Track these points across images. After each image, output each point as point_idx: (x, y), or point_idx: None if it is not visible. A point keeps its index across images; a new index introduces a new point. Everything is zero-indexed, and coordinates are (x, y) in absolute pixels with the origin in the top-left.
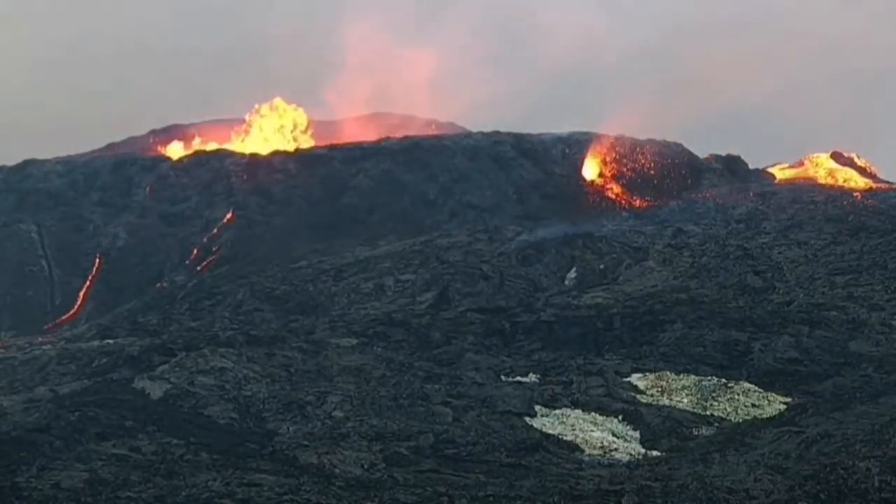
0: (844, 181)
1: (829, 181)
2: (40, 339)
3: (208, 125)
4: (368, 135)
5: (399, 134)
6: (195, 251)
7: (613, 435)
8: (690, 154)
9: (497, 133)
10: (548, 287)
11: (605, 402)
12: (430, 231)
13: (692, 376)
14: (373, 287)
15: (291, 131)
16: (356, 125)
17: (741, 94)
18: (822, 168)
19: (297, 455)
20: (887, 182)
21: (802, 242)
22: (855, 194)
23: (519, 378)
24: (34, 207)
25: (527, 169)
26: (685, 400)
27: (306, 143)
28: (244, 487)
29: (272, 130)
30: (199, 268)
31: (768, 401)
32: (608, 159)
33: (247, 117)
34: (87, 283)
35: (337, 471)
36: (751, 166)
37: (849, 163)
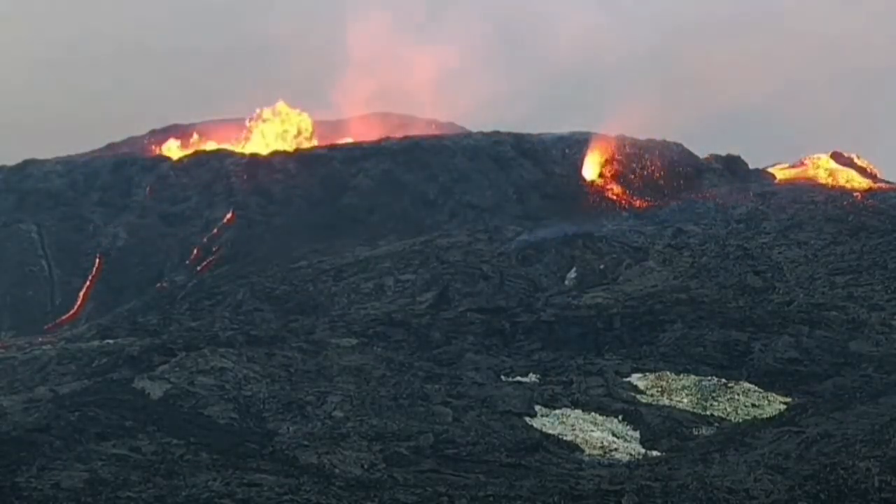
0: (845, 181)
1: (829, 181)
2: (40, 339)
3: (208, 125)
4: (370, 135)
5: (400, 134)
6: (195, 251)
7: (613, 435)
8: (690, 154)
9: (497, 133)
10: (548, 287)
11: (605, 402)
12: (430, 231)
13: (692, 376)
14: (373, 287)
15: (295, 137)
16: (358, 125)
17: (741, 94)
18: (822, 168)
19: (297, 455)
20: (887, 182)
21: (802, 242)
22: (855, 194)
23: (519, 378)
24: (34, 207)
25: (527, 169)
26: (685, 400)
27: (307, 143)
28: (244, 487)
29: (274, 136)
30: (199, 268)
31: (768, 401)
32: (608, 159)
33: (247, 122)
34: (87, 283)
35: (337, 471)
36: (751, 166)
37: (849, 163)
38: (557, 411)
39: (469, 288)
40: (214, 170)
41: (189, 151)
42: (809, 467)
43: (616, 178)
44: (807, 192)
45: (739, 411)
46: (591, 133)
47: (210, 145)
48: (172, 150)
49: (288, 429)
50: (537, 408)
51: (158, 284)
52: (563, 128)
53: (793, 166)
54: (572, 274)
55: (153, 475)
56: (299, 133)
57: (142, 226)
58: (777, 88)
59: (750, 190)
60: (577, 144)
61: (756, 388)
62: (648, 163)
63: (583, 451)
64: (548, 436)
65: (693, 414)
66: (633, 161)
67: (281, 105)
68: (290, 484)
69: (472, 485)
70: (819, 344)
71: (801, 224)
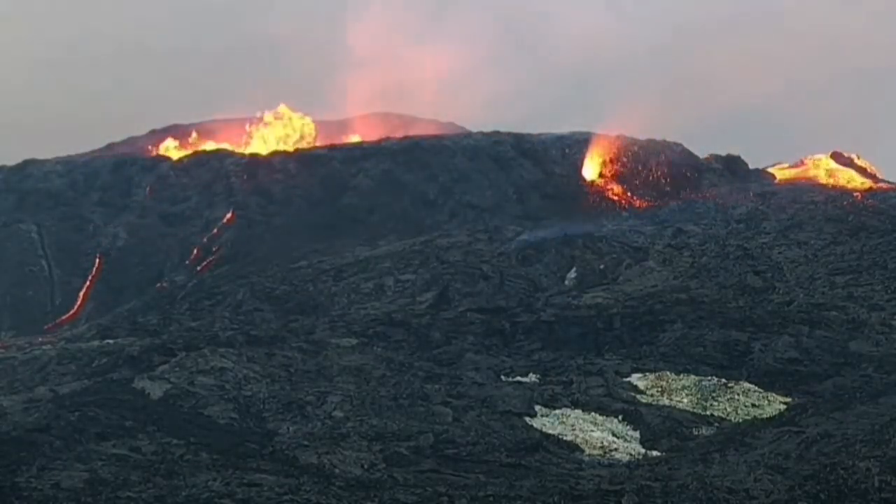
0: (845, 181)
1: (829, 181)
2: (40, 339)
3: (208, 125)
4: (371, 135)
5: (400, 134)
6: (195, 251)
7: (613, 435)
8: (690, 154)
9: (497, 133)
10: (548, 287)
11: (605, 402)
12: (430, 231)
13: (692, 376)
14: (373, 287)
15: (297, 142)
16: (358, 125)
17: (741, 94)
18: (822, 168)
19: (297, 455)
20: (887, 182)
21: (802, 242)
22: (855, 194)
23: (519, 378)
24: (34, 207)
25: (527, 169)
26: (685, 400)
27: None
28: (244, 487)
29: (276, 140)
30: (199, 268)
31: (768, 401)
32: (608, 159)
33: (247, 127)
34: (87, 283)
35: (337, 471)
36: (751, 166)
37: (849, 163)
38: (557, 411)
39: (469, 288)
40: (214, 170)
41: (189, 151)
42: (809, 467)
43: (616, 178)
44: (807, 192)
45: (739, 411)
46: (592, 133)
47: (209, 145)
48: (170, 150)
49: (288, 429)
50: (537, 408)
51: (158, 284)
52: (565, 127)
53: (793, 166)
54: (572, 274)
55: (153, 475)
56: (302, 138)
57: (142, 226)
58: (777, 88)
59: (750, 190)
60: (577, 144)
61: (756, 388)
62: (648, 163)
63: (583, 451)
64: (548, 436)
65: (693, 414)
66: (633, 161)
67: (283, 108)
68: (290, 484)
69: (472, 485)
70: (819, 344)
71: (801, 224)
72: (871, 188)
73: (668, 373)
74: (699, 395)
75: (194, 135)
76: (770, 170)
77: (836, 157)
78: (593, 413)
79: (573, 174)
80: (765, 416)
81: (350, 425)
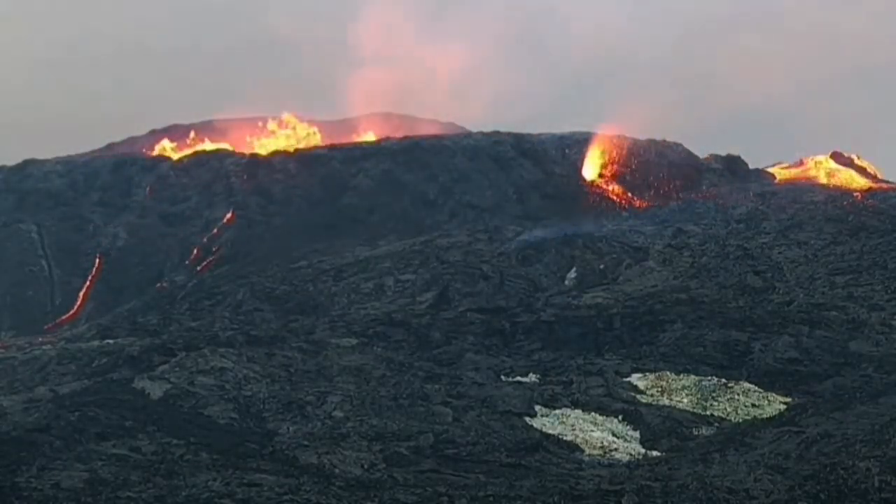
0: (845, 181)
1: (829, 181)
2: (40, 339)
3: (208, 125)
4: (372, 135)
5: (401, 134)
6: (195, 251)
7: (613, 435)
8: (690, 154)
9: (497, 133)
10: (548, 287)
11: (605, 402)
12: (430, 231)
13: (692, 376)
14: (373, 287)
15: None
16: (359, 125)
17: (741, 94)
18: (822, 168)
19: (297, 455)
20: (887, 182)
21: (802, 242)
22: (855, 194)
23: (519, 378)
24: (34, 207)
25: (527, 169)
26: (685, 400)
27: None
28: (244, 487)
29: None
30: (199, 268)
31: (768, 401)
32: (608, 159)
33: (248, 138)
34: (87, 283)
35: (337, 471)
36: (751, 166)
37: (849, 163)
38: (557, 411)
39: (469, 288)
40: (214, 170)
41: (189, 151)
42: (809, 467)
43: (616, 178)
44: (807, 192)
45: (739, 411)
46: (592, 133)
47: (207, 145)
48: (167, 150)
49: (288, 429)
50: (537, 408)
51: (158, 284)
52: (565, 127)
53: (793, 166)
54: (572, 274)
55: (153, 475)
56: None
57: (142, 226)
58: (777, 88)
59: (750, 190)
60: (577, 144)
61: (756, 388)
62: (648, 163)
63: (583, 451)
64: (548, 436)
65: (693, 414)
66: (632, 161)
67: (288, 117)
68: (290, 484)
69: (472, 485)
70: (819, 344)
71: (801, 224)
72: (871, 188)
73: (668, 373)
74: (699, 395)
75: (192, 135)
76: (770, 170)
77: (836, 157)
78: (593, 413)
79: (573, 174)
80: (765, 416)
81: (350, 425)
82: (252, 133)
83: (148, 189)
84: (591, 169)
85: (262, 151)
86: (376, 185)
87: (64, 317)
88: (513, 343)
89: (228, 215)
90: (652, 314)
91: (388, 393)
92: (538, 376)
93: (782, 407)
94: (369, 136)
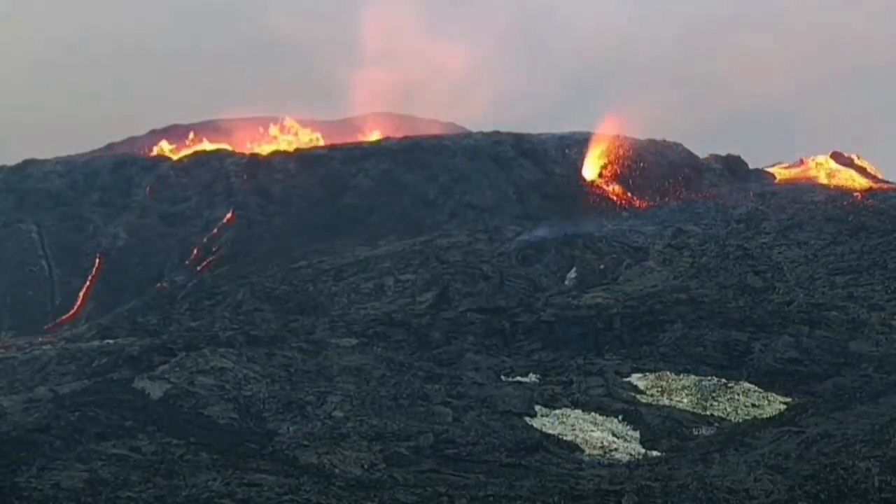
0: (845, 181)
1: (829, 181)
2: (40, 339)
3: (208, 125)
4: (372, 135)
5: (401, 134)
6: (195, 251)
7: (613, 435)
8: (690, 154)
9: (497, 133)
10: (548, 287)
11: (605, 402)
12: (430, 231)
13: (692, 376)
14: (373, 287)
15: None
16: (360, 125)
17: (741, 94)
18: (823, 168)
19: (297, 455)
20: (887, 182)
21: (802, 242)
22: (855, 194)
23: (519, 378)
24: (34, 207)
25: (527, 169)
26: (685, 400)
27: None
28: (244, 487)
29: None
30: (199, 268)
31: (768, 401)
32: (608, 159)
33: (248, 144)
34: (87, 283)
35: (337, 471)
36: (751, 166)
37: (849, 163)
38: (557, 411)
39: (469, 288)
40: (214, 170)
41: (189, 151)
42: (809, 467)
43: (616, 178)
44: (807, 192)
45: (739, 411)
46: (592, 133)
47: (206, 146)
48: (165, 151)
49: (288, 429)
50: (537, 408)
51: (158, 284)
52: (565, 127)
53: (793, 166)
54: (572, 274)
55: (153, 475)
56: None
57: (142, 226)
58: (777, 88)
59: (750, 190)
60: (577, 144)
61: (756, 388)
62: (648, 163)
63: (583, 451)
64: (548, 436)
65: (693, 414)
66: (633, 161)
67: (290, 122)
68: (290, 484)
69: (472, 485)
70: (819, 344)
71: (801, 224)
72: (871, 188)
73: (668, 373)
74: (699, 395)
75: (192, 136)
76: (770, 170)
77: (836, 157)
78: (593, 413)
79: (573, 174)
80: (765, 416)
81: (350, 425)
82: (254, 136)
83: (148, 189)
84: (591, 169)
85: (263, 151)
86: (376, 185)
87: (64, 317)
88: (513, 343)
89: (228, 215)
90: (652, 314)
91: (388, 393)
92: (538, 376)
93: (782, 407)
94: (375, 136)
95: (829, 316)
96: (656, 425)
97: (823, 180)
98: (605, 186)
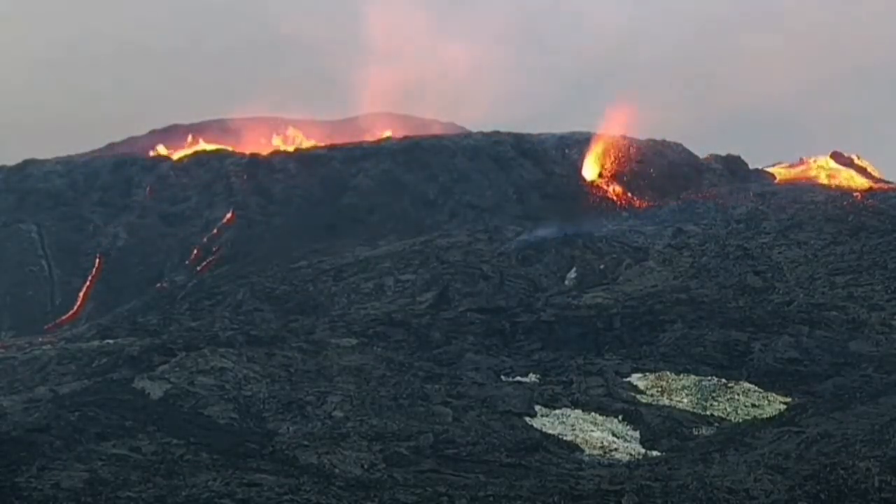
0: (845, 181)
1: (829, 181)
2: (40, 339)
3: (207, 125)
4: (372, 134)
5: (401, 133)
6: (195, 251)
7: (613, 435)
8: (690, 154)
9: (497, 133)
10: (548, 287)
11: (605, 402)
12: (430, 231)
13: (692, 376)
14: (373, 287)
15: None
16: (359, 125)
17: (741, 94)
18: (823, 168)
19: (297, 455)
20: (887, 182)
21: (802, 242)
22: (855, 194)
23: (519, 378)
24: (34, 207)
25: (527, 169)
26: (685, 400)
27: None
28: (244, 487)
29: None
30: (199, 268)
31: (768, 401)
32: (608, 159)
33: (246, 152)
34: (87, 283)
35: (337, 471)
36: (751, 166)
37: (849, 163)
38: (557, 411)
39: (469, 288)
40: (214, 170)
41: (189, 151)
42: (809, 467)
43: (616, 178)
44: (807, 192)
45: (739, 411)
46: (592, 133)
47: (207, 146)
48: (165, 152)
49: (288, 429)
50: (537, 408)
51: (158, 284)
52: (565, 127)
53: (793, 166)
54: (572, 274)
55: (153, 475)
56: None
57: (142, 226)
58: (777, 88)
59: (750, 190)
60: (577, 144)
61: (756, 388)
62: (648, 163)
63: (583, 451)
64: (548, 436)
65: (693, 414)
66: (632, 161)
67: (293, 131)
68: (290, 484)
69: (472, 485)
70: (819, 344)
71: (801, 224)
72: (871, 188)
73: (668, 373)
74: (699, 395)
75: (190, 139)
76: (770, 170)
77: (836, 157)
78: (593, 413)
79: (573, 174)
80: (765, 416)
81: (350, 425)
82: (256, 138)
83: (148, 189)
84: (591, 169)
85: (263, 151)
86: (376, 185)
87: (64, 317)
88: (513, 343)
89: (228, 215)
90: (652, 314)
91: (388, 393)
92: (538, 376)
93: (782, 407)
94: (386, 134)
95: (829, 316)
96: (656, 425)
97: (823, 180)
98: (605, 186)
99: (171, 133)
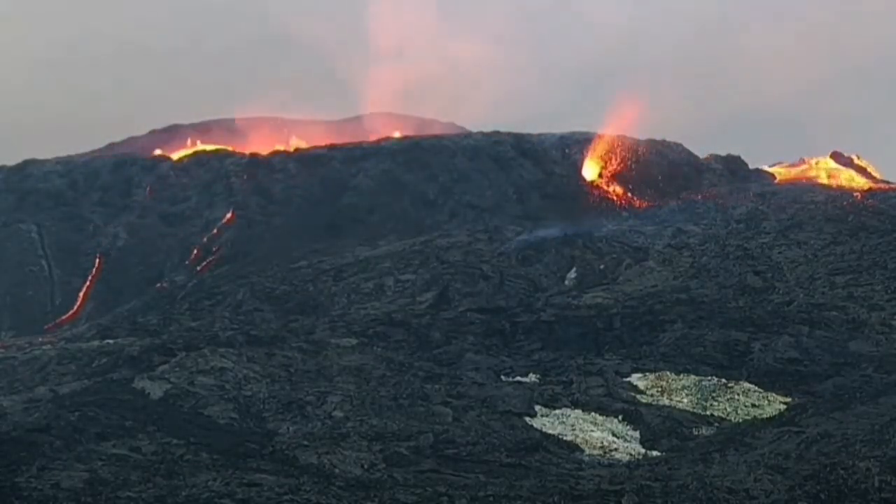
0: (845, 181)
1: (829, 181)
2: (40, 339)
3: (208, 125)
4: (373, 134)
5: (401, 133)
6: (195, 251)
7: (613, 435)
8: (690, 154)
9: (497, 133)
10: (548, 287)
11: (605, 402)
12: (430, 231)
13: (692, 376)
14: (373, 287)
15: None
16: (359, 125)
17: (741, 94)
18: (823, 168)
19: (297, 455)
20: (887, 182)
21: (802, 242)
22: (855, 194)
23: (519, 378)
24: (34, 207)
25: (527, 169)
26: (685, 400)
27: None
28: (244, 487)
29: None
30: (199, 268)
31: (768, 401)
32: (608, 159)
33: (246, 152)
34: (87, 283)
35: (337, 471)
36: (751, 166)
37: (849, 163)
38: (557, 411)
39: (469, 288)
40: (214, 170)
41: (189, 151)
42: (809, 467)
43: (616, 178)
44: (807, 192)
45: (739, 411)
46: (592, 133)
47: (207, 147)
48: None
49: (288, 429)
50: (537, 408)
51: (158, 284)
52: (565, 127)
53: (793, 166)
54: (572, 274)
55: (153, 475)
56: None
57: (142, 226)
58: (777, 88)
59: (750, 190)
60: (577, 144)
61: (756, 388)
62: (648, 163)
63: (583, 451)
64: (548, 436)
65: (693, 414)
66: (633, 161)
67: (296, 141)
68: (290, 484)
69: (472, 485)
70: (819, 344)
71: (801, 224)
72: (871, 188)
73: (668, 373)
74: (699, 395)
75: (189, 142)
76: (770, 170)
77: (836, 157)
78: (593, 413)
79: (573, 174)
80: (765, 416)
81: (350, 425)
82: (258, 140)
83: (148, 189)
84: (591, 169)
85: (263, 151)
86: (376, 185)
87: (64, 317)
88: (513, 343)
89: (228, 215)
90: (652, 314)
91: (388, 393)
92: (538, 376)
93: (782, 407)
94: (396, 134)
95: (829, 316)
96: (656, 425)
97: (823, 180)
98: (605, 186)
99: (172, 133)
